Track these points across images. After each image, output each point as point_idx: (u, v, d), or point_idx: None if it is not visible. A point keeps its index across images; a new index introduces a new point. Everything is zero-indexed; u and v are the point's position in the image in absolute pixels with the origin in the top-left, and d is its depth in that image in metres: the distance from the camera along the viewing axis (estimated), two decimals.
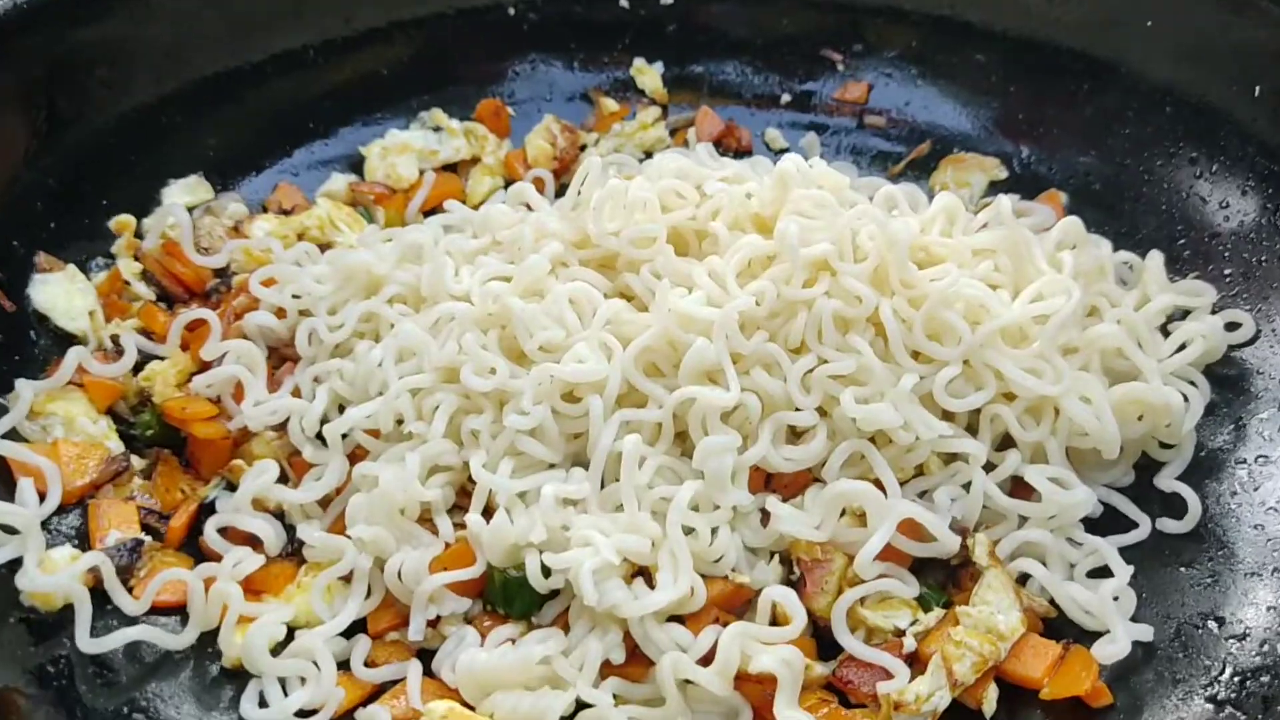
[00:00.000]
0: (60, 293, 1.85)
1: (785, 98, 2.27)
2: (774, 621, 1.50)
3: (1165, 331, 1.80)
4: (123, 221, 1.96)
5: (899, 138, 2.22)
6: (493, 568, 1.55)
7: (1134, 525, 1.66)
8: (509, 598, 1.54)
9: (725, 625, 1.47)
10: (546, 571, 1.51)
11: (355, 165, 2.19)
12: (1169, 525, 1.66)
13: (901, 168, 2.18)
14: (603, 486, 1.58)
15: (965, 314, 1.64)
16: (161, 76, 2.04)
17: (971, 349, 1.61)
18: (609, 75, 2.33)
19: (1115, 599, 1.55)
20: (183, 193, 2.04)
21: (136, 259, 1.95)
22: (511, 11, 2.26)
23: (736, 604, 1.54)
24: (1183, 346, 1.77)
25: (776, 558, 1.59)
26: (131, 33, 1.96)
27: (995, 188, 2.10)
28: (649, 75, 2.32)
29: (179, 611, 1.58)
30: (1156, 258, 1.87)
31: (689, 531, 1.52)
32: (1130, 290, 1.85)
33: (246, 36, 2.10)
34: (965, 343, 1.61)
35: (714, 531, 1.55)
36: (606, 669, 1.48)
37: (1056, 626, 1.56)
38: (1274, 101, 1.78)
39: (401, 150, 2.17)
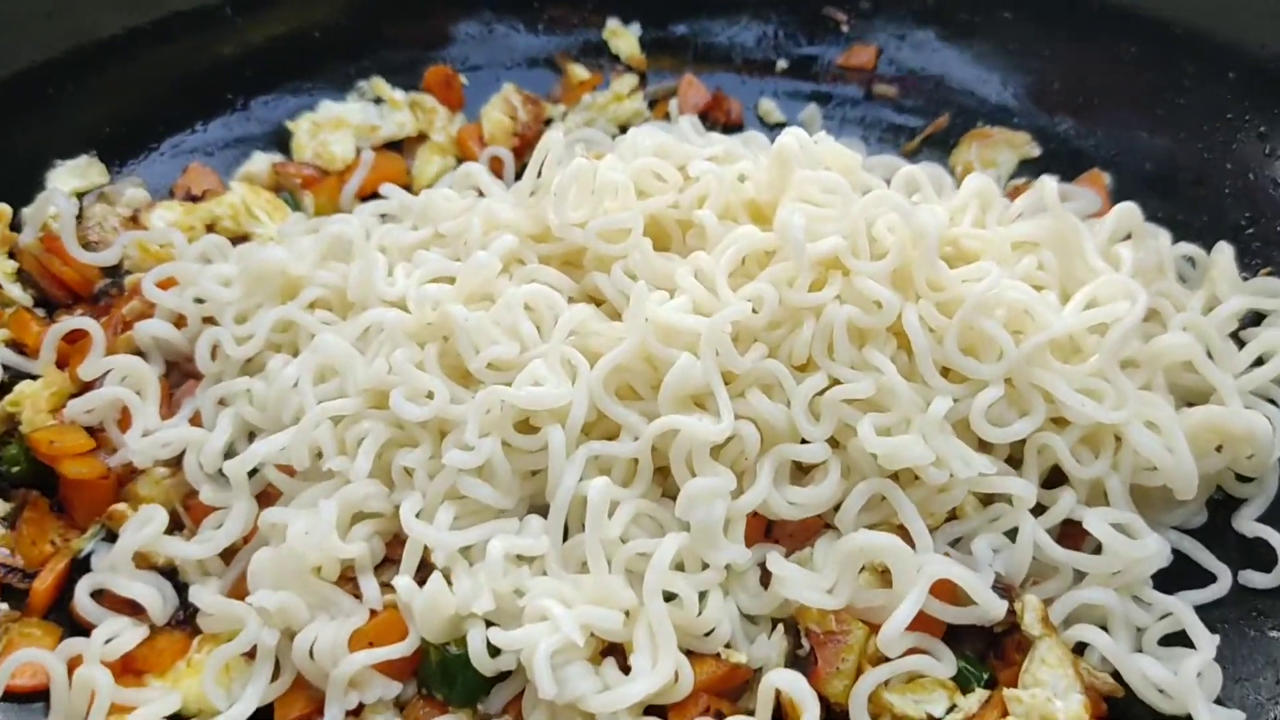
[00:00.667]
0: None
1: (782, 64, 1.99)
2: (778, 713, 1.20)
3: (1238, 340, 1.52)
4: None
5: (914, 109, 1.94)
6: (428, 644, 1.25)
7: (1211, 578, 1.37)
8: (449, 680, 1.25)
9: (719, 717, 1.18)
10: (494, 650, 1.21)
11: (280, 143, 1.89)
12: (1254, 579, 1.37)
13: (917, 144, 1.91)
14: (565, 539, 1.29)
15: (1006, 323, 1.35)
16: (44, 39, 1.73)
17: (1015, 366, 1.33)
18: (578, 38, 2.05)
19: (1198, 675, 1.25)
20: (70, 176, 1.73)
21: (12, 256, 1.64)
22: None
23: (731, 687, 1.25)
24: (1261, 360, 1.48)
25: (780, 628, 1.29)
26: None
27: (1027, 168, 1.83)
28: (624, 38, 2.04)
29: (41, 698, 1.28)
30: (1225, 251, 1.59)
31: (671, 598, 1.23)
32: (1196, 291, 1.56)
33: None
34: (1008, 358, 1.32)
35: (702, 597, 1.27)
36: None
37: (1122, 707, 1.27)
38: None
39: (336, 125, 1.88)
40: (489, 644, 1.22)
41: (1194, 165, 1.72)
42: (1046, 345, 1.34)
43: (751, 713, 1.22)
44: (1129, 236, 1.55)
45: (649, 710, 1.22)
